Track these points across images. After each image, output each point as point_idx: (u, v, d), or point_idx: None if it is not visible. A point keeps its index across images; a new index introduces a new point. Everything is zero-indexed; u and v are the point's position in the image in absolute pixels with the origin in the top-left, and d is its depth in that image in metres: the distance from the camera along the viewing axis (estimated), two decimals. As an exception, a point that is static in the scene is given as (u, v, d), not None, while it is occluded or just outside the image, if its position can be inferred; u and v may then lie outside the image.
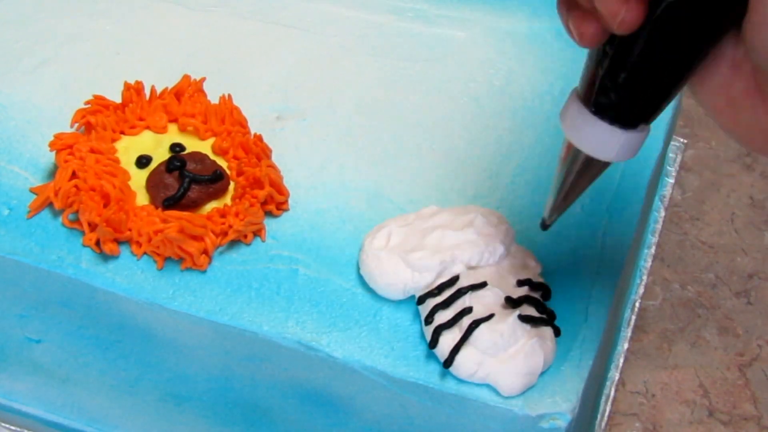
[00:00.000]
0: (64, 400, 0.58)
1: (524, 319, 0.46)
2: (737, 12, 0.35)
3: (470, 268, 0.48)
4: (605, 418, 0.62)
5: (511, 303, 0.47)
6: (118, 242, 0.51)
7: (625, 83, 0.38)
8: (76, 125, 0.55)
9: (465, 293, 0.47)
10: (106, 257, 0.51)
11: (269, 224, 0.52)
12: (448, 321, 0.47)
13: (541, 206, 0.53)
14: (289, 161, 0.54)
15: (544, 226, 0.46)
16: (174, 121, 0.55)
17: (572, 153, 0.42)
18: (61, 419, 0.59)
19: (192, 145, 0.54)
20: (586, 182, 0.43)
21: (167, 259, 0.50)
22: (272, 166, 0.53)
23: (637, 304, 0.67)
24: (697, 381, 0.69)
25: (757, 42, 0.35)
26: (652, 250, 0.69)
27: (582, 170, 0.42)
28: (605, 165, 0.42)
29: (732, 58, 0.37)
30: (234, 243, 0.51)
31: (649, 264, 0.69)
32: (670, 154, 0.72)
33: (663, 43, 0.37)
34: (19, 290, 0.53)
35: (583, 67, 0.40)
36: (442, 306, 0.47)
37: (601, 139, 0.40)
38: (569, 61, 0.60)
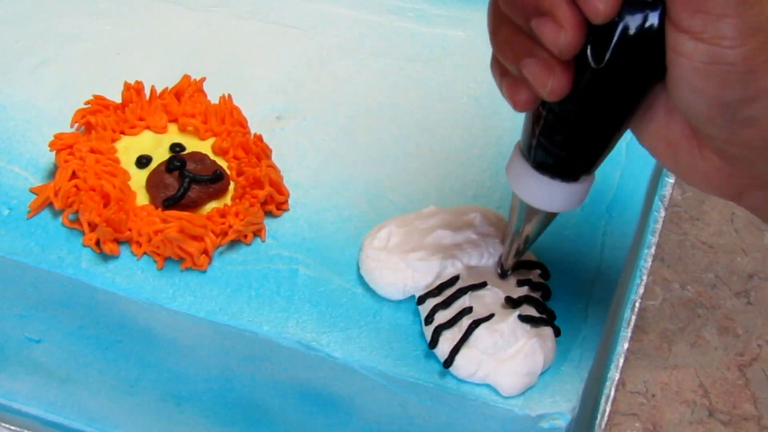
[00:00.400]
0: (64, 400, 0.58)
1: (524, 319, 0.46)
2: (662, 68, 0.36)
3: (470, 268, 0.48)
4: (605, 418, 0.62)
5: (512, 303, 0.47)
6: (118, 242, 0.51)
7: (561, 142, 0.39)
8: (76, 125, 0.55)
9: (465, 293, 0.47)
10: (106, 257, 0.51)
11: (269, 224, 0.52)
12: (448, 321, 0.47)
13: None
14: (289, 161, 0.54)
15: (502, 275, 0.48)
16: (174, 121, 0.55)
17: (520, 204, 0.43)
18: (61, 419, 0.59)
19: (192, 145, 0.54)
20: (538, 230, 0.44)
21: (167, 259, 0.50)
22: (272, 166, 0.53)
23: (637, 304, 0.67)
24: (697, 381, 0.69)
25: (678, 99, 0.36)
26: (652, 250, 0.69)
27: (532, 219, 0.43)
28: (554, 215, 0.43)
29: (665, 104, 0.38)
30: (234, 243, 0.51)
31: (649, 264, 0.69)
32: (670, 154, 0.72)
33: (594, 105, 0.38)
34: (19, 290, 0.53)
35: (522, 123, 0.41)
36: (442, 306, 0.47)
37: (544, 192, 0.41)
38: (569, 61, 0.60)
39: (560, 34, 0.35)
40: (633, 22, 0.35)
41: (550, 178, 0.40)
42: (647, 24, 0.35)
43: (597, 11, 0.34)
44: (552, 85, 0.36)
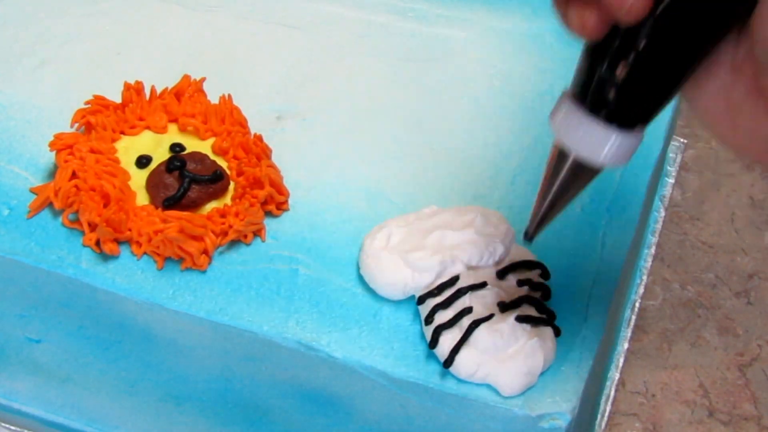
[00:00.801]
0: (64, 400, 0.58)
1: (524, 319, 0.46)
2: (744, 8, 0.34)
3: (470, 268, 0.48)
4: (605, 418, 0.62)
5: (503, 307, 0.47)
6: (118, 242, 0.51)
7: (627, 78, 0.37)
8: (76, 125, 0.55)
9: (465, 293, 0.47)
10: (106, 257, 0.51)
11: (269, 224, 0.52)
12: (448, 321, 0.47)
13: (541, 206, 0.53)
14: (289, 161, 0.54)
15: (528, 236, 0.43)
16: (174, 121, 0.55)
17: (560, 158, 0.40)
18: (61, 419, 0.59)
19: (192, 145, 0.54)
20: (572, 192, 0.41)
21: (167, 259, 0.50)
22: (272, 166, 0.53)
23: (637, 304, 0.67)
24: (697, 381, 0.69)
25: (763, 35, 0.34)
26: (652, 250, 0.69)
27: (570, 178, 0.40)
28: (594, 173, 0.40)
29: (732, 61, 0.36)
30: (234, 243, 0.51)
31: (649, 264, 0.69)
32: (670, 154, 0.72)
33: (668, 36, 0.35)
34: (19, 290, 0.53)
35: (577, 65, 0.39)
36: (442, 306, 0.47)
37: (595, 138, 0.38)
38: (569, 61, 0.59)
39: None
40: None
41: (605, 122, 0.37)
42: None
43: None
44: (632, 3, 0.34)
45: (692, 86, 0.37)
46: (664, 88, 0.37)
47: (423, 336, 0.48)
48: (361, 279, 0.50)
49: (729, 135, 0.37)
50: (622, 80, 0.37)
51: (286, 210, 0.53)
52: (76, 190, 0.51)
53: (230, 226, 0.50)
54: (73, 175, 0.52)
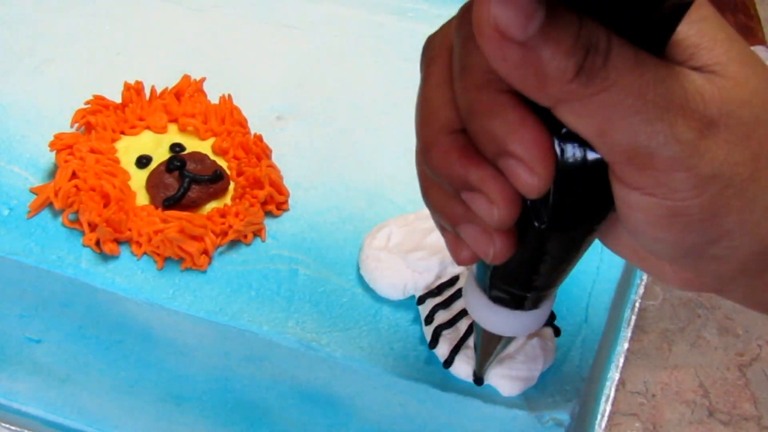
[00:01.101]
0: (64, 400, 0.58)
1: (524, 319, 0.46)
2: (608, 209, 0.34)
3: (470, 268, 0.48)
4: (605, 418, 0.62)
5: None
6: (118, 242, 0.51)
7: (516, 284, 0.37)
8: (76, 125, 0.55)
9: (465, 293, 0.47)
10: (106, 257, 0.51)
11: (269, 224, 0.52)
12: (448, 321, 0.47)
13: (541, 206, 0.53)
14: (289, 161, 0.54)
15: (478, 381, 0.46)
16: (174, 121, 0.55)
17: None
18: (61, 419, 0.59)
19: (192, 145, 0.54)
20: (502, 346, 0.42)
21: (167, 259, 0.50)
22: (272, 166, 0.53)
23: (637, 304, 0.67)
24: (697, 381, 0.69)
25: (639, 243, 0.34)
26: (652, 250, 0.69)
27: (493, 338, 0.41)
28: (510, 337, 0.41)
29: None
30: (234, 243, 0.51)
31: (649, 264, 0.69)
32: (670, 154, 0.72)
33: (543, 255, 0.35)
34: (19, 290, 0.53)
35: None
36: (442, 306, 0.47)
37: (505, 323, 0.39)
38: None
39: (493, 210, 0.32)
40: (572, 182, 0.32)
41: (510, 310, 0.38)
42: (589, 181, 0.32)
43: (531, 188, 0.30)
44: (494, 252, 0.33)
45: (601, 235, 0.37)
46: (551, 282, 0.38)
47: (423, 336, 0.48)
48: (361, 279, 0.50)
49: (645, 269, 0.37)
50: (511, 287, 0.38)
51: (286, 210, 0.53)
52: (76, 190, 0.51)
53: (230, 226, 0.50)
54: (73, 175, 0.52)
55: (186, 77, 0.57)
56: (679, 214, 0.31)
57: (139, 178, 0.53)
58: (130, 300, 0.50)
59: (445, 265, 0.48)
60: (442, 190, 0.34)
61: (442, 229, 0.36)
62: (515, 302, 0.38)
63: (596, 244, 0.51)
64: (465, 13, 0.31)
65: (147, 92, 0.56)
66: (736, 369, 0.70)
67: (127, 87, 0.56)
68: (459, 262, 0.35)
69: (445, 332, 0.46)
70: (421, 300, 0.48)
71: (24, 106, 0.57)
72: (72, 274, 0.50)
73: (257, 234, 0.52)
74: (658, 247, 0.33)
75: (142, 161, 0.53)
